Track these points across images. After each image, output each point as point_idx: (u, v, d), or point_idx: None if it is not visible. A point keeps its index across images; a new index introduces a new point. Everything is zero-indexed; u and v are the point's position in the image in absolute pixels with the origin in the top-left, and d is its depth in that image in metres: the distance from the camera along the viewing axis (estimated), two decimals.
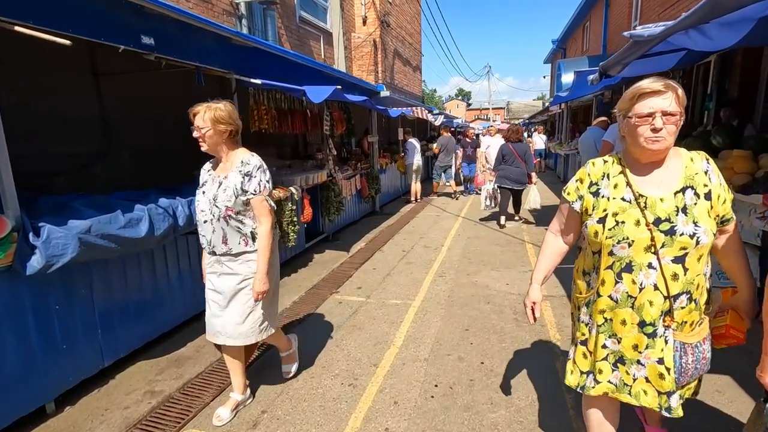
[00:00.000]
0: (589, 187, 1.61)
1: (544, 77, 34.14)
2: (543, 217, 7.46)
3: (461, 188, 10.92)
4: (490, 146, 9.03)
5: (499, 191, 7.09)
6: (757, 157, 3.34)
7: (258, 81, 4.30)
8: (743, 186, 3.12)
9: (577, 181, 1.66)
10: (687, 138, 4.34)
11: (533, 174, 6.94)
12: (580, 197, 1.63)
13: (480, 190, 8.92)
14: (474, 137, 11.09)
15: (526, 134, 26.60)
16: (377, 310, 3.93)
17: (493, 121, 10.46)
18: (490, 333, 3.40)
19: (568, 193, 1.67)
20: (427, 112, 11.34)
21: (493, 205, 7.51)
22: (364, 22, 12.98)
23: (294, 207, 4.81)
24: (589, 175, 1.63)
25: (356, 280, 4.78)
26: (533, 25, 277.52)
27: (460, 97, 71.87)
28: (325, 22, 10.81)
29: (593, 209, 1.57)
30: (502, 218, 6.99)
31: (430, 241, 6.38)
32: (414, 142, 9.84)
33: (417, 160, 9.82)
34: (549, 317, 3.60)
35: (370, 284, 4.61)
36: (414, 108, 10.85)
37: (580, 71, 5.32)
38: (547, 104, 16.58)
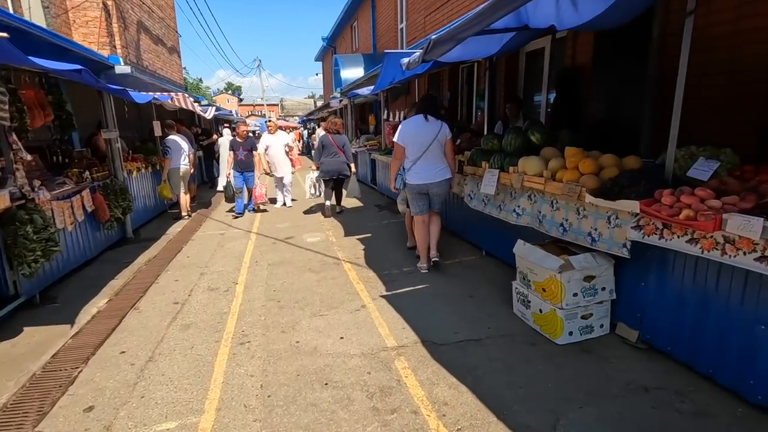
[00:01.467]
0: None
1: (317, 75, 34.59)
2: (352, 221, 6.59)
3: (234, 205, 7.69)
4: (271, 146, 7.71)
5: (321, 181, 7.29)
6: (622, 159, 3.06)
7: None
8: (601, 189, 2.71)
9: None
10: (509, 134, 3.99)
11: (352, 164, 7.17)
12: None
13: (260, 206, 7.77)
14: (248, 135, 7.71)
15: (306, 132, 26.16)
16: None
17: (268, 120, 8.96)
18: None
19: None
20: (192, 101, 8.97)
21: (318, 193, 7.72)
22: None
23: None
24: None
25: (83, 388, 2.64)
26: (302, 21, 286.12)
27: (230, 91, 66.95)
28: None
29: None
30: (327, 209, 7.27)
31: (217, 277, 4.54)
32: (178, 139, 7.43)
33: (184, 164, 7.49)
34: (417, 392, 2.50)
35: (110, 394, 2.57)
36: (174, 95, 8.35)
37: (392, 52, 4.50)
38: (333, 99, 16.14)
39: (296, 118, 39.43)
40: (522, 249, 3.18)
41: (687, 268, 2.38)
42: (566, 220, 3.15)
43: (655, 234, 2.36)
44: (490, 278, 4.13)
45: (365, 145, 10.11)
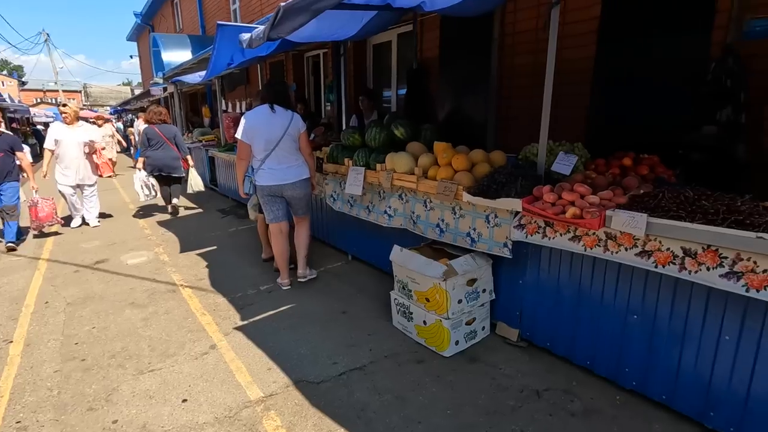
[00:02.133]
0: None
1: (132, 57, 29.39)
2: (190, 231, 5.44)
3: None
4: (62, 142, 5.62)
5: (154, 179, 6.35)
6: (488, 155, 2.91)
7: None
8: (479, 187, 2.53)
9: None
10: (372, 128, 3.63)
11: (189, 157, 6.55)
12: None
13: (44, 226, 5.49)
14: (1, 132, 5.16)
15: (120, 124, 21.86)
16: None
17: (62, 105, 6.52)
18: None
19: None
20: None
21: (154, 194, 6.49)
22: None
23: None
24: None
25: None
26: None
27: (5, 72, 52.33)
28: None
29: None
30: (170, 207, 6.59)
31: None
32: None
33: None
34: None
35: None
36: None
37: (228, 24, 3.64)
38: (155, 86, 13.65)
39: (107, 108, 32.93)
40: (400, 256, 2.86)
41: (563, 263, 2.37)
42: (442, 220, 2.95)
43: (538, 233, 2.27)
44: (362, 287, 3.74)
45: (200, 141, 8.68)
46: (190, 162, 6.64)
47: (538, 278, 2.54)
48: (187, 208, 7.13)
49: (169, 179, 6.35)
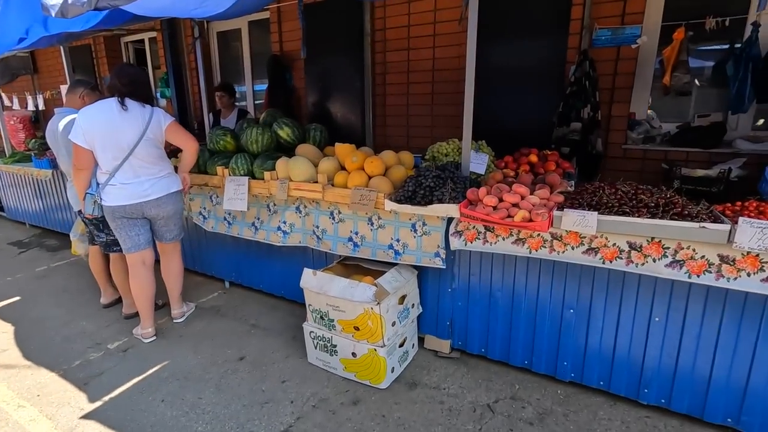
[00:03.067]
0: None
1: None
2: None
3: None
4: None
5: None
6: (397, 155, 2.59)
7: None
8: (404, 194, 2.25)
9: None
10: (250, 129, 2.98)
11: None
12: None
13: None
14: None
15: None
16: None
17: None
18: None
19: None
20: None
21: None
22: None
23: None
24: None
25: None
26: None
27: None
28: None
29: None
30: None
31: None
32: None
33: None
34: None
35: None
36: None
37: None
38: None
39: None
40: (314, 281, 2.39)
41: (495, 266, 2.28)
42: (356, 233, 2.58)
43: (479, 239, 2.12)
44: (253, 321, 3.10)
45: None
46: None
47: (468, 284, 2.40)
48: None
49: None
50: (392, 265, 2.51)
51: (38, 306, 3.45)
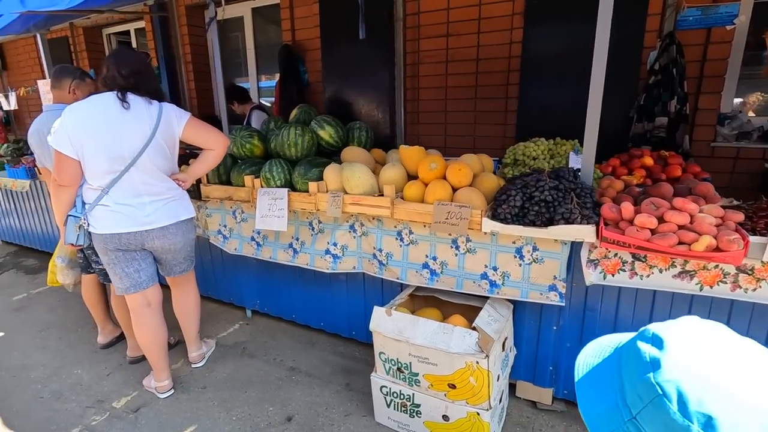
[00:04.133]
0: None
1: None
2: None
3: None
4: None
5: None
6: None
7: None
8: (509, 211, 1.73)
9: None
10: (288, 129, 2.41)
11: None
12: None
13: None
14: None
15: None
16: None
17: None
18: None
19: None
20: None
21: None
22: None
23: None
24: None
25: None
26: None
27: None
28: None
29: None
30: None
31: None
32: None
33: None
34: None
35: None
36: None
37: None
38: None
39: None
40: (389, 324, 1.86)
41: (624, 297, 1.79)
42: (433, 258, 2.05)
43: (623, 270, 1.62)
44: (291, 364, 2.54)
45: None
46: None
47: (582, 321, 1.91)
48: None
49: None
50: (476, 296, 2.00)
51: (17, 349, 2.81)
